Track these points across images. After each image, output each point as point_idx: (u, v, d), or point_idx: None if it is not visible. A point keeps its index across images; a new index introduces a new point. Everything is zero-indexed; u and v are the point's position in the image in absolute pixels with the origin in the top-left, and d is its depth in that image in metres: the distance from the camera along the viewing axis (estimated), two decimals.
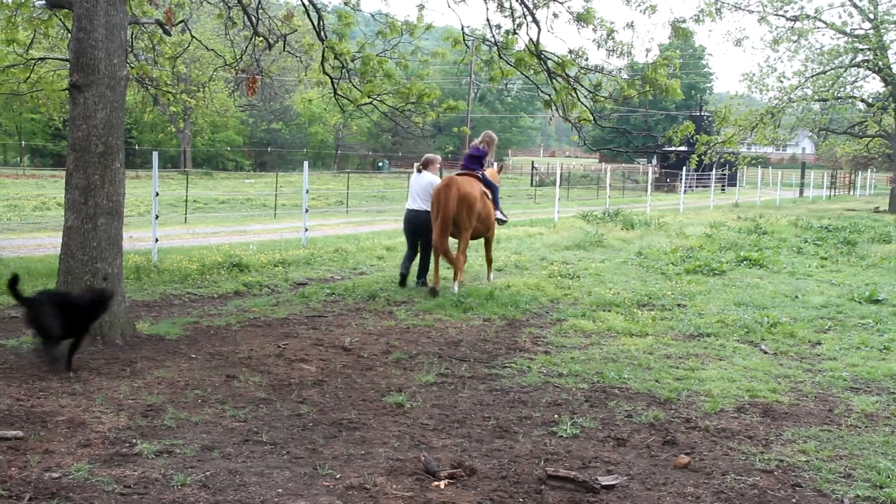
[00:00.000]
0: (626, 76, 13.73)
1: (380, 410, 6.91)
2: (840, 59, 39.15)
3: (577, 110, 13.29)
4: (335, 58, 14.02)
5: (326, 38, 13.99)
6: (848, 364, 8.95)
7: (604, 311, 11.62)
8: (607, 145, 52.57)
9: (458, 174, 13.63)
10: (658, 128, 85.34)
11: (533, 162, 76.76)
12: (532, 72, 13.06)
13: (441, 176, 14.40)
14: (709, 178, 48.67)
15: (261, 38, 14.56)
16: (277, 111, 75.32)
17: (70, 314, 7.67)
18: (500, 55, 13.27)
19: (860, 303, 12.71)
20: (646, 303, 12.41)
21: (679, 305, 12.27)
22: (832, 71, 39.36)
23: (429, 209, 13.20)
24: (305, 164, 20.01)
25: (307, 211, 19.16)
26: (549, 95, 13.14)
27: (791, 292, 13.60)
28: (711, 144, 32.73)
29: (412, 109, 14.72)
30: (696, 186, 59.10)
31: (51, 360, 7.67)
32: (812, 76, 39.54)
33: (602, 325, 10.61)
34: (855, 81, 41.81)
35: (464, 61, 15.32)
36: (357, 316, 10.96)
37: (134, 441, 5.92)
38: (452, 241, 13.43)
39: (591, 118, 13.55)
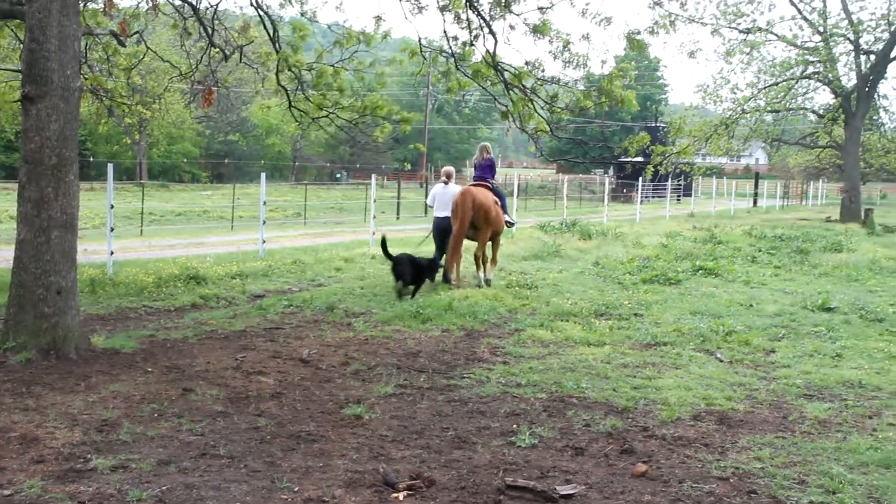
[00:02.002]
0: (582, 87, 13.83)
1: (338, 422, 6.88)
2: (791, 70, 39.83)
3: (533, 121, 13.37)
4: (289, 69, 13.97)
5: (281, 49, 13.94)
6: (801, 371, 9.07)
7: (562, 321, 11.67)
8: (564, 156, 52.86)
9: (472, 185, 15.40)
10: (614, 139, 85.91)
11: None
12: (489, 83, 13.13)
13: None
14: (664, 189, 49.08)
15: (217, 49, 14.48)
16: (234, 123, 74.87)
17: (416, 269, 13.30)
18: (457, 66, 13.33)
19: (813, 311, 12.89)
20: (603, 312, 12.48)
21: (636, 315, 12.36)
22: (784, 83, 40.04)
23: None
24: (263, 175, 19.87)
25: (265, 223, 19.05)
26: (507, 107, 13.22)
27: (746, 301, 13.76)
28: (667, 155, 33.10)
29: (367, 122, 14.74)
30: (652, 197, 59.57)
31: (399, 294, 13.00)
32: (764, 88, 40.18)
33: (560, 335, 10.65)
34: (806, 93, 42.62)
35: (421, 72, 15.35)
36: (315, 328, 10.91)
37: (88, 456, 5.83)
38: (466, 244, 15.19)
39: (548, 129, 13.64)
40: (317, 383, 8.08)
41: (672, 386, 8.23)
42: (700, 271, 17.13)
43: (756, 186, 63.16)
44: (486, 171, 15.78)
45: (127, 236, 24.74)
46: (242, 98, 68.63)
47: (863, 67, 38.70)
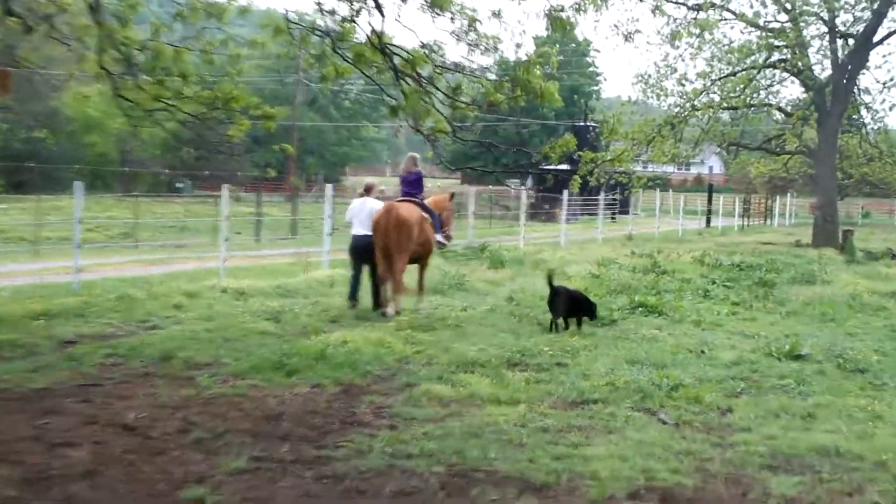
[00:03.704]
0: (492, 77, 13.95)
1: None
2: (752, 58, 40.28)
3: (431, 119, 13.41)
4: (115, 48, 13.77)
5: (104, 21, 13.73)
6: (765, 436, 9.24)
7: (465, 372, 11.70)
8: (470, 163, 53.16)
9: (398, 200, 17.15)
10: (533, 141, 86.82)
11: (377, 183, 76.82)
12: (375, 70, 13.13)
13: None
14: (595, 205, 49.76)
15: (16, 19, 14.18)
16: (41, 115, 73.33)
17: (572, 302, 15.32)
18: (334, 48, 13.30)
19: (779, 359, 13.18)
20: (518, 361, 12.56)
21: (559, 364, 12.46)
22: (743, 73, 40.45)
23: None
24: (78, 184, 19.46)
25: (81, 246, 18.67)
26: (397, 100, 13.24)
27: (696, 346, 14.00)
28: (598, 162, 33.56)
29: (219, 117, 14.60)
30: (581, 214, 60.34)
31: (555, 328, 14.99)
32: (719, 79, 40.61)
33: (463, 391, 10.66)
34: (770, 86, 43.13)
35: (288, 55, 15.28)
36: (146, 384, 10.73)
37: None
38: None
39: (449, 129, 13.70)
40: (146, 457, 7.93)
41: (604, 455, 8.30)
42: (640, 309, 17.38)
43: (710, 202, 64.41)
44: (412, 185, 17.58)
45: None
46: (52, 83, 67.23)
47: (839, 54, 39.40)
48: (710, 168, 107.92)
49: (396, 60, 12.88)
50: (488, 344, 13.64)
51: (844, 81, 39.50)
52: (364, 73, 13.38)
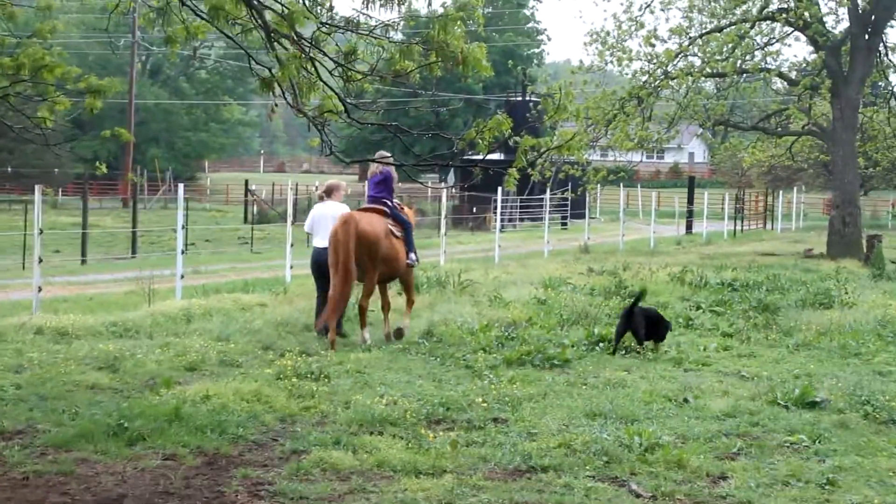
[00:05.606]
0: (398, 38, 13.99)
1: None
2: (744, 7, 40.31)
3: (317, 95, 13.41)
4: None
5: None
6: None
7: (371, 433, 11.73)
8: (371, 154, 53.28)
9: (363, 208, 19.01)
10: (455, 124, 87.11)
11: (247, 181, 76.28)
12: (239, 29, 13.11)
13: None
14: (540, 207, 49.97)
15: None
16: None
17: (650, 323, 17.79)
18: (182, 0, 13.27)
19: (787, 408, 13.33)
20: (441, 418, 12.62)
21: (496, 420, 12.54)
22: (732, 28, 40.54)
23: None
24: None
25: None
26: (270, 70, 13.23)
27: (677, 393, 14.14)
28: (542, 150, 33.58)
29: (25, 93, 14.48)
30: (521, 220, 60.59)
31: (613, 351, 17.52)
32: (700, 36, 40.69)
33: (368, 459, 10.69)
34: (769, 44, 43.28)
35: (119, 9, 15.22)
36: None
37: None
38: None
39: (342, 108, 13.70)
40: None
41: None
42: (601, 344, 17.53)
43: (690, 200, 64.83)
44: (379, 188, 18.92)
45: None
46: None
47: (860, 1, 39.38)
48: (691, 155, 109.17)
49: (268, 16, 12.86)
50: (401, 395, 13.68)
51: (866, 37, 39.53)
52: (225, 34, 13.33)
